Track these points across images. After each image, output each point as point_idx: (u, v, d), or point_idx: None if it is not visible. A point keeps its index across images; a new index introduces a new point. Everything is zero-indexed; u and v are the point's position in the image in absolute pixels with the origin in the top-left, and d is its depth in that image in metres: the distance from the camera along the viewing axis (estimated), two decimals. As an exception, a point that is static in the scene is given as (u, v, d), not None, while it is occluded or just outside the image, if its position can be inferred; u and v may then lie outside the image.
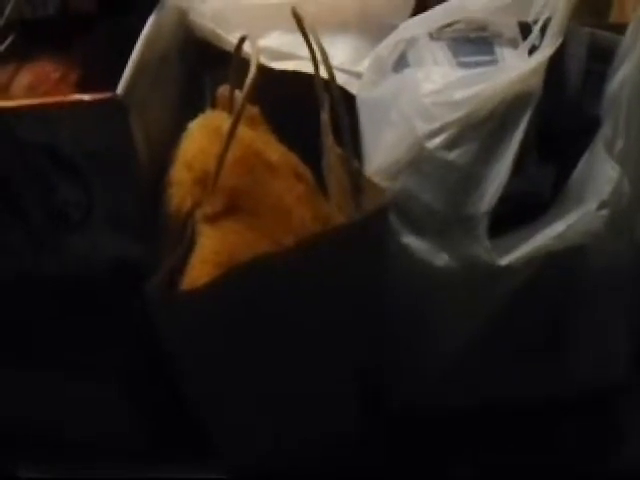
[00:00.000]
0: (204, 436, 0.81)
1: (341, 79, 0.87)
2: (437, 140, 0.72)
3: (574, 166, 0.78)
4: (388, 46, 0.82)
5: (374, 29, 0.90)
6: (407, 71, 0.78)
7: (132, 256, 0.78)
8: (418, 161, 0.73)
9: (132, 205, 0.76)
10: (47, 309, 0.81)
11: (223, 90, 0.83)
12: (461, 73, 0.75)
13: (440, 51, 0.79)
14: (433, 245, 0.75)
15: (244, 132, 0.77)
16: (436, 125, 0.72)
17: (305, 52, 0.86)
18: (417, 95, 0.74)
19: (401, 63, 0.80)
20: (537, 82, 0.74)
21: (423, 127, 0.73)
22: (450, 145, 0.72)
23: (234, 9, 0.89)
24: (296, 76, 0.86)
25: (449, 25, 0.83)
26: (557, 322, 0.82)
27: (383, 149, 0.76)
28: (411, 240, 0.76)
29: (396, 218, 0.76)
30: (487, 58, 0.79)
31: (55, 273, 0.80)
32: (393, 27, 0.88)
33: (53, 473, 0.86)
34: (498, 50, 0.80)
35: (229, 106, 0.82)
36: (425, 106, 0.73)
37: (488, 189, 0.73)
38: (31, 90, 0.80)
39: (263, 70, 0.84)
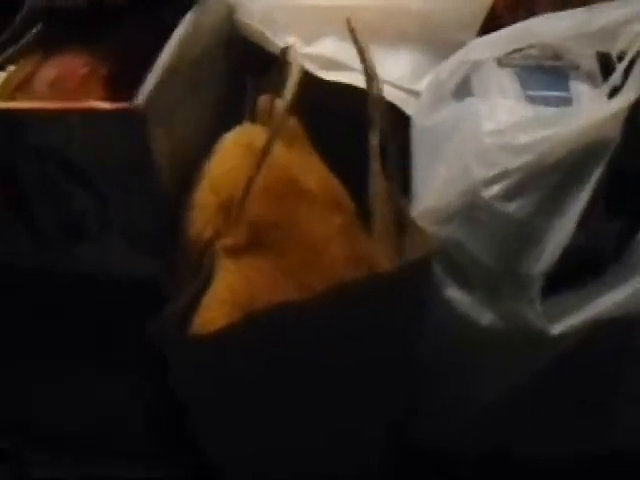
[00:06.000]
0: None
1: (397, 97, 0.73)
2: (495, 188, 0.58)
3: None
4: (450, 68, 0.67)
5: (437, 44, 0.75)
6: (469, 101, 0.64)
7: (148, 274, 0.65)
8: (471, 209, 0.59)
9: (150, 221, 0.63)
10: (56, 320, 0.70)
11: (264, 100, 0.69)
12: (529, 111, 0.61)
13: (507, 80, 0.65)
14: (479, 301, 0.62)
15: (280, 152, 0.63)
16: (495, 171, 0.58)
17: (358, 64, 0.72)
18: (477, 133, 0.60)
19: (463, 89, 0.66)
20: (615, 131, 0.59)
21: (480, 172, 0.58)
22: (509, 195, 0.58)
23: (284, 10, 0.74)
24: (349, 90, 0.72)
25: (520, 49, 0.68)
26: (604, 386, 0.68)
27: (435, 187, 0.61)
28: (455, 293, 0.62)
29: (441, 267, 0.62)
30: (560, 94, 0.64)
31: (68, 285, 0.68)
32: (458, 44, 0.73)
33: (67, 473, 0.77)
34: (573, 85, 0.65)
35: (269, 119, 0.69)
36: (485, 147, 0.58)
37: (547, 247, 0.59)
38: (55, 85, 0.67)
39: (312, 80, 0.72)
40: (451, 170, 0.60)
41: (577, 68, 0.67)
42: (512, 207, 0.57)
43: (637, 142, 0.62)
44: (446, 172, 0.60)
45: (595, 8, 0.65)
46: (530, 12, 0.79)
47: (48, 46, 0.68)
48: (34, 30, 0.69)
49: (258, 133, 0.66)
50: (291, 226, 0.61)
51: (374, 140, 0.68)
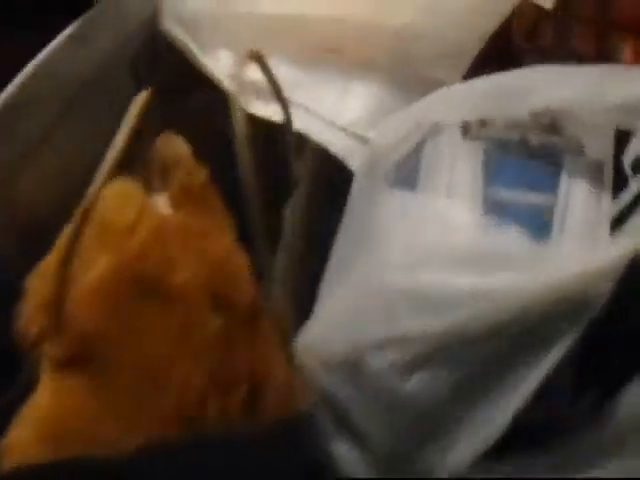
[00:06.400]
0: None
1: (342, 147, 0.46)
2: (389, 355, 0.32)
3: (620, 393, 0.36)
4: (398, 128, 0.40)
5: (410, 80, 0.47)
6: (399, 196, 0.36)
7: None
8: (356, 371, 0.33)
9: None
10: None
11: (165, 141, 0.45)
12: (475, 234, 0.33)
13: (467, 164, 0.37)
14: (370, 466, 0.37)
15: (147, 223, 0.39)
16: (395, 330, 0.32)
17: (306, 95, 0.46)
18: (384, 260, 0.33)
19: (403, 170, 0.38)
20: (605, 286, 0.31)
21: (374, 324, 0.32)
22: (411, 366, 0.32)
23: (216, 18, 0.48)
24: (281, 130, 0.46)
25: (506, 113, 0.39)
26: None
27: (325, 314, 0.36)
28: (343, 450, 0.37)
29: (325, 416, 0.37)
30: (539, 198, 0.35)
31: None
32: (437, 83, 0.45)
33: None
34: (565, 183, 0.36)
35: (168, 168, 0.44)
36: (387, 290, 0.32)
37: (467, 441, 0.33)
38: None
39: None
40: (346, 299, 0.34)
41: (579, 153, 0.38)
42: (413, 384, 0.32)
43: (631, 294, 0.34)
44: (343, 297, 0.34)
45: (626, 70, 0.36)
46: (560, 41, 0.50)
47: None
48: None
49: (137, 190, 0.42)
50: (132, 339, 0.38)
51: (294, 211, 0.43)
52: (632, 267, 0.31)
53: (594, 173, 0.36)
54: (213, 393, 0.38)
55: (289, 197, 0.42)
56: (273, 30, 0.47)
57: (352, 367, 0.33)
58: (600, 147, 0.37)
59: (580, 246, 0.32)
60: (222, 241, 0.42)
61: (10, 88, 0.39)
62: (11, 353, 0.40)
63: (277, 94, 0.41)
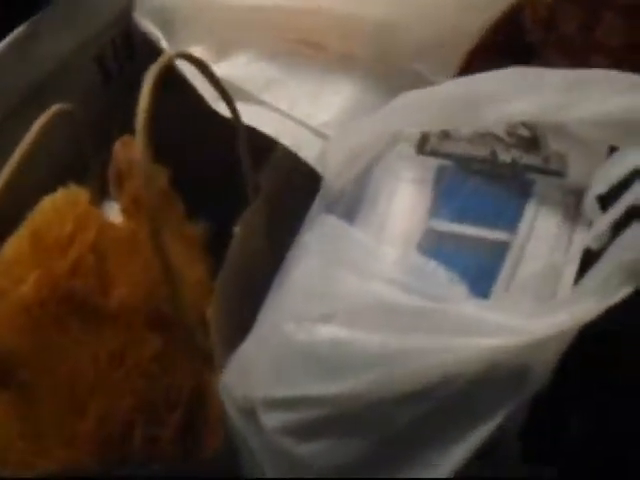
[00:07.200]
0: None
1: (312, 153, 0.40)
2: (282, 417, 0.25)
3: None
4: (355, 142, 0.32)
5: (391, 76, 0.39)
6: (330, 226, 0.29)
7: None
8: (255, 423, 0.27)
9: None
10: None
11: (123, 145, 0.40)
12: (401, 284, 0.25)
13: (412, 186, 0.29)
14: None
15: (85, 237, 0.35)
16: (287, 390, 0.25)
17: (277, 93, 0.40)
18: (286, 307, 0.26)
19: (350, 194, 0.31)
20: (550, 359, 0.23)
21: (266, 382, 0.26)
22: (306, 431, 0.25)
23: (190, 11, 0.42)
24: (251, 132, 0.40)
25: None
26: None
27: (237, 356, 0.29)
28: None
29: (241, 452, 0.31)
30: (493, 233, 0.27)
31: None
32: (420, 78, 0.37)
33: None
34: (530, 212, 0.28)
35: (123, 175, 0.39)
36: (285, 343, 0.25)
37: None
38: None
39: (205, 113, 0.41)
40: (251, 344, 0.28)
41: (560, 173, 0.29)
42: (308, 448, 0.25)
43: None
44: (250, 340, 0.28)
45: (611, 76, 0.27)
46: (585, 31, 0.40)
47: None
48: None
49: (82, 198, 0.38)
50: (55, 359, 0.34)
51: (247, 227, 0.37)
52: (584, 337, 0.23)
53: (571, 201, 0.28)
54: (141, 419, 0.34)
55: (242, 210, 0.37)
56: (249, 23, 0.41)
57: (251, 417, 0.27)
58: (587, 168, 0.28)
59: (528, 304, 0.24)
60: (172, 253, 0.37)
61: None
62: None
63: (224, 97, 0.35)
